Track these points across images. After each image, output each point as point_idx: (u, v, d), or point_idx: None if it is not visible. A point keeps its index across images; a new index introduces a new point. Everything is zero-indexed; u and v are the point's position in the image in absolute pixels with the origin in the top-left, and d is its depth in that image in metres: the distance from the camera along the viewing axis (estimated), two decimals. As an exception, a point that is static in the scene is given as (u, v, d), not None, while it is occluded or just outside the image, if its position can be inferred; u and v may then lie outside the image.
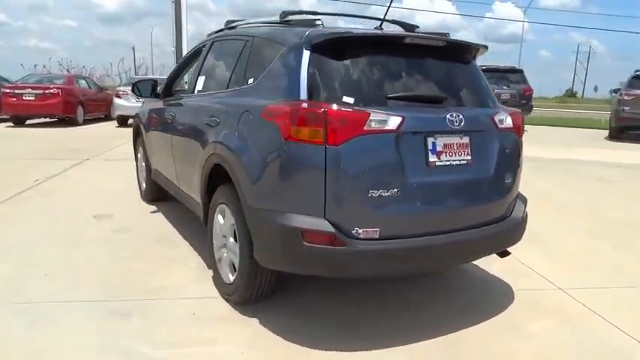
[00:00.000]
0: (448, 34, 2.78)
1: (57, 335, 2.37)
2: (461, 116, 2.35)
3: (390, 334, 2.48)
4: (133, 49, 36.62)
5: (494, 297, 2.97)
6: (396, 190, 2.19)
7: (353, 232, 2.16)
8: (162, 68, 29.96)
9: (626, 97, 11.70)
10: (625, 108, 11.67)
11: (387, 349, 2.33)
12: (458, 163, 2.37)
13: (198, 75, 3.47)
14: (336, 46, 2.31)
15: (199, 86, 3.40)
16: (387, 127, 2.18)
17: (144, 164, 4.86)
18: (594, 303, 2.87)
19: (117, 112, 13.72)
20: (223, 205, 2.74)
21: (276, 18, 2.83)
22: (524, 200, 2.80)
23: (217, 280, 2.88)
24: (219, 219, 2.82)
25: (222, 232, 2.81)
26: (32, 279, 2.99)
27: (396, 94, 2.33)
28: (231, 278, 2.69)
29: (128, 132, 11.52)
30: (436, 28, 3.80)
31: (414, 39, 2.45)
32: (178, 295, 2.85)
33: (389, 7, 2.65)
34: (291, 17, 2.73)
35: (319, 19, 2.57)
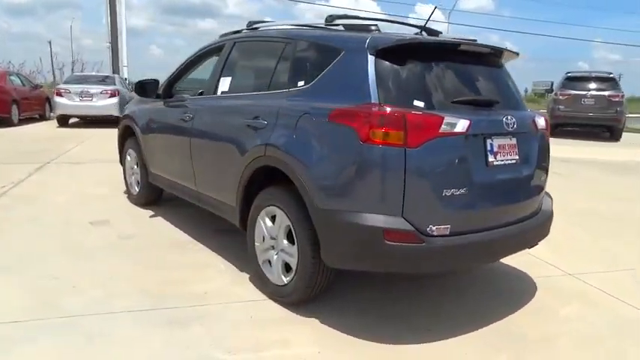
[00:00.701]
0: (476, 39, 2.95)
1: (127, 347, 2.29)
2: (514, 119, 2.53)
3: (443, 325, 2.62)
4: (50, 42, 33.96)
5: (520, 285, 3.20)
6: (464, 188, 2.33)
7: (427, 229, 2.27)
8: (99, 65, 27.96)
9: (560, 97, 12.74)
10: (560, 107, 12.70)
11: (451, 339, 2.46)
12: (508, 162, 2.55)
13: (220, 76, 3.41)
14: (399, 52, 2.40)
15: (223, 87, 3.35)
16: (457, 130, 2.31)
17: (136, 167, 4.68)
18: (606, 286, 3.18)
19: (58, 112, 12.85)
20: (273, 207, 2.75)
21: (311, 21, 2.89)
22: (550, 196, 3.05)
23: (263, 282, 2.88)
24: (266, 222, 2.82)
25: (269, 234, 2.81)
26: (62, 292, 2.84)
27: (460, 99, 2.47)
28: (285, 280, 2.70)
29: (74, 133, 11.07)
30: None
31: (469, 46, 2.60)
32: (225, 299, 2.82)
33: (431, 14, 2.78)
34: (338, 21, 2.79)
35: (375, 25, 2.64)
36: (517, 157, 2.60)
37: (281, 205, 2.68)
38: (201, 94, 4.19)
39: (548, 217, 2.90)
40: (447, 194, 2.29)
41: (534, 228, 2.77)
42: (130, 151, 4.77)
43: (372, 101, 2.29)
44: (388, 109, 2.24)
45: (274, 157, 2.67)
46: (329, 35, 2.73)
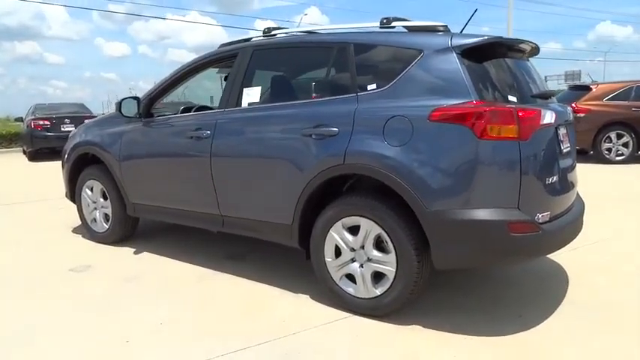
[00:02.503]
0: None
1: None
2: (569, 109, 2.78)
3: (529, 309, 2.74)
4: None
5: (553, 264, 3.45)
6: (555, 176, 2.50)
7: (536, 217, 2.37)
8: None
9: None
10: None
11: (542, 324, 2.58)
12: (566, 150, 2.78)
13: (242, 87, 3.14)
14: (479, 50, 2.49)
15: (251, 98, 3.09)
16: (549, 122, 2.47)
17: (102, 200, 4.05)
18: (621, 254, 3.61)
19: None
20: (355, 218, 2.61)
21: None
22: None
23: (342, 299, 2.72)
24: (343, 234, 2.67)
25: (348, 247, 2.67)
26: (141, 343, 2.37)
27: (537, 93, 2.63)
28: (378, 291, 2.59)
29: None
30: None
31: (525, 43, 2.78)
32: (310, 323, 2.60)
33: (472, 16, 2.90)
34: (395, 23, 2.78)
35: (445, 25, 2.69)
36: (569, 145, 2.85)
37: (368, 214, 2.56)
38: (187, 110, 3.84)
39: (584, 206, 3.11)
40: (548, 182, 2.43)
41: (582, 214, 2.95)
42: (92, 182, 4.11)
43: (473, 99, 2.33)
44: (500, 106, 2.30)
45: (359, 165, 2.55)
46: (401, 37, 2.70)
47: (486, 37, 2.50)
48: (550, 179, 2.46)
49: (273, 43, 3.20)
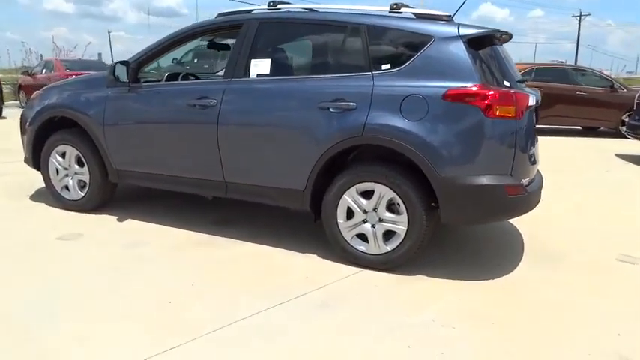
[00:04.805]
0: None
1: (320, 335, 2.27)
2: (539, 94, 3.31)
3: (505, 259, 3.31)
4: None
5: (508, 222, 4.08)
6: (533, 149, 3.03)
7: (522, 182, 2.89)
8: None
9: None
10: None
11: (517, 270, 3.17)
12: (533, 128, 3.32)
13: (249, 58, 3.25)
14: (479, 40, 2.89)
15: (260, 70, 3.20)
16: (531, 104, 2.97)
17: (77, 167, 3.93)
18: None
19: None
20: (369, 184, 2.94)
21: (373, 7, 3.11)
22: None
23: (354, 256, 3.06)
24: (356, 198, 2.99)
25: (361, 210, 2.99)
26: (184, 303, 2.48)
27: (522, 78, 3.10)
28: (389, 247, 2.96)
29: None
30: None
31: (507, 34, 3.22)
32: (330, 278, 2.90)
33: (461, 6, 3.30)
34: (404, 9, 3.07)
35: (449, 15, 3.03)
36: (533, 122, 3.39)
37: (384, 181, 2.90)
38: (172, 76, 3.84)
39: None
40: (529, 154, 2.95)
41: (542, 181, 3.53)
42: (64, 148, 3.94)
43: (477, 82, 2.74)
44: (504, 89, 2.74)
45: (378, 137, 2.85)
46: (413, 23, 2.99)
47: (488, 29, 2.91)
48: (530, 151, 2.98)
49: (285, 18, 3.32)
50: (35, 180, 4.70)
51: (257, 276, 2.94)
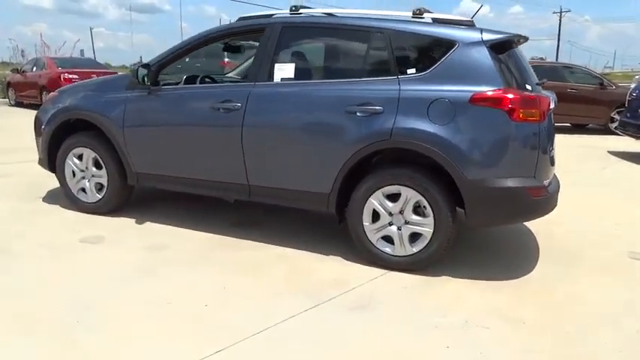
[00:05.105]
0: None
1: (355, 335, 2.34)
2: (555, 97, 3.41)
3: (522, 260, 3.41)
4: None
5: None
6: (553, 150, 3.12)
7: (544, 183, 2.98)
8: None
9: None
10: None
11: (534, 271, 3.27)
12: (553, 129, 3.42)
13: (272, 62, 3.28)
14: (501, 44, 2.97)
15: (284, 74, 3.24)
16: (552, 107, 3.07)
17: (95, 169, 3.93)
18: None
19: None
20: (396, 187, 3.00)
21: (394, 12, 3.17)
22: None
23: (380, 258, 3.12)
24: (383, 201, 3.05)
25: (387, 212, 3.06)
26: (222, 305, 2.53)
27: (541, 81, 3.19)
28: (414, 249, 3.04)
29: None
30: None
31: (524, 38, 3.29)
32: (356, 282, 2.96)
33: (477, 10, 3.37)
34: (426, 15, 3.13)
35: (470, 20, 3.10)
36: (552, 123, 3.48)
37: (411, 184, 2.96)
38: (191, 79, 3.85)
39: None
40: (550, 155, 3.04)
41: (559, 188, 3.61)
42: (81, 150, 3.93)
43: (502, 86, 2.82)
44: (527, 93, 2.83)
45: (407, 141, 2.91)
46: (437, 28, 3.04)
47: (509, 34, 3.00)
48: (550, 153, 3.08)
49: (308, 22, 3.36)
50: (42, 182, 4.71)
51: (286, 279, 2.98)
